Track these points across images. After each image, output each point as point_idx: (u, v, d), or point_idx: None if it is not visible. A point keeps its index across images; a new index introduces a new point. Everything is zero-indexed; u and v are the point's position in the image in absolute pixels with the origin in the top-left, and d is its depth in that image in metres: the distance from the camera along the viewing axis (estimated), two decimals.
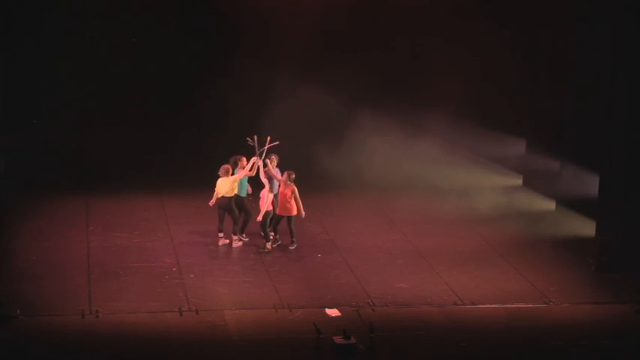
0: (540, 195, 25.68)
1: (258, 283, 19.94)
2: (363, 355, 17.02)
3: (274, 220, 21.79)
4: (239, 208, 21.71)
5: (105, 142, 25.87)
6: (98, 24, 25.62)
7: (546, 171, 25.74)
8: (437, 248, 22.21)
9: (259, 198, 21.63)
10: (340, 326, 17.57)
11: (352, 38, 26.75)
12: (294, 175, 21.58)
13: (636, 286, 20.29)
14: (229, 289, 19.58)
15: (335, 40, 26.60)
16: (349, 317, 18.38)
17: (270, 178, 21.68)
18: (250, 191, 21.95)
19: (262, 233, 21.60)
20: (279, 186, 21.68)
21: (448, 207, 25.06)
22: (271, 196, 21.55)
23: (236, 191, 21.57)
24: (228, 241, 21.81)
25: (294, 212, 21.55)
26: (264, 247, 21.50)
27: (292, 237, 21.74)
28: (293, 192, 21.45)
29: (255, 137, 21.67)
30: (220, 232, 21.82)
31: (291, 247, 21.72)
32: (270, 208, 21.59)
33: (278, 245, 21.78)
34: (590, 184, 22.67)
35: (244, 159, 21.80)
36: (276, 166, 22.04)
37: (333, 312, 18.62)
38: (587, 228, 22.80)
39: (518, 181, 26.98)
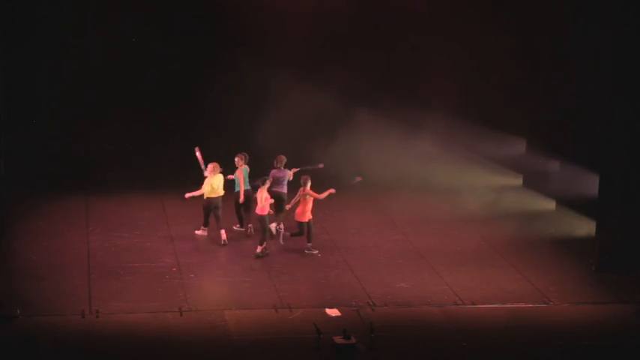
0: (540, 195, 25.68)
1: (258, 283, 19.95)
2: (363, 355, 17.02)
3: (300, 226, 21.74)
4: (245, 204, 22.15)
5: (105, 142, 25.84)
6: (98, 24, 25.60)
7: (546, 171, 25.73)
8: (437, 248, 22.21)
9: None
10: (340, 326, 17.57)
11: (351, 38, 26.75)
12: (309, 181, 21.59)
13: (636, 286, 20.29)
14: (229, 289, 19.58)
15: (334, 40, 26.60)
16: (349, 317, 18.39)
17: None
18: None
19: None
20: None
21: (448, 207, 25.06)
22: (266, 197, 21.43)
23: (220, 192, 21.85)
24: (205, 234, 22.09)
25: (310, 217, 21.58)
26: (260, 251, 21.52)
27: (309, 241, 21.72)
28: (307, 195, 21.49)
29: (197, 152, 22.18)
30: (221, 229, 21.88)
31: (313, 252, 21.67)
32: (262, 213, 21.47)
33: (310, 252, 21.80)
34: (590, 184, 22.66)
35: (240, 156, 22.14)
36: (284, 167, 22.33)
37: (333, 312, 18.63)
38: (587, 228, 22.80)
39: (518, 181, 26.97)
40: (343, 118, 26.50)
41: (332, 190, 21.68)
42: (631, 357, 17.58)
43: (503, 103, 26.64)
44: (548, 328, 18.38)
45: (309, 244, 21.64)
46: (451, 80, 26.59)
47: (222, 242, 21.79)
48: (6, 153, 23.39)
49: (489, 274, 20.88)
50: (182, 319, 18.17)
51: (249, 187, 22.26)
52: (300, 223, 21.58)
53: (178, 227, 22.72)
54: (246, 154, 22.43)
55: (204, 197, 21.86)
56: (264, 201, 21.25)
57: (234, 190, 22.34)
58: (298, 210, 21.56)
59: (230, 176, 22.32)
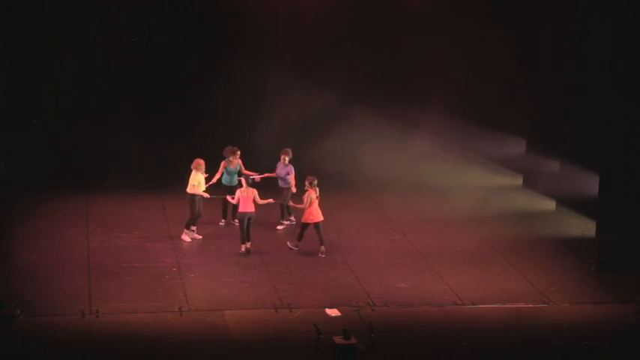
0: (540, 195, 25.67)
1: (258, 283, 19.94)
2: (363, 355, 17.02)
3: (303, 227, 21.66)
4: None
5: (105, 142, 25.85)
6: (98, 25, 25.62)
7: (546, 171, 25.73)
8: (437, 248, 22.20)
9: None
10: (340, 326, 17.56)
11: (350, 38, 26.73)
12: (316, 181, 21.55)
13: (636, 286, 20.29)
14: (229, 289, 19.58)
15: (332, 39, 26.57)
16: (349, 317, 18.39)
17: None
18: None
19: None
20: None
21: (449, 207, 25.06)
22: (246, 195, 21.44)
23: (200, 188, 21.81)
24: (198, 236, 22.01)
25: (310, 219, 21.49)
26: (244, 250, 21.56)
27: (322, 244, 21.55)
28: (306, 199, 21.46)
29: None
30: (193, 225, 22.01)
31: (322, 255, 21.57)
32: (252, 209, 21.43)
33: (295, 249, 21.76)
34: (590, 184, 22.66)
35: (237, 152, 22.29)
36: (288, 162, 22.48)
37: (333, 312, 18.62)
38: (587, 228, 22.79)
39: (518, 181, 26.97)
40: (342, 118, 26.50)
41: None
42: (631, 357, 17.58)
43: (504, 104, 26.63)
44: (548, 328, 18.38)
45: (322, 247, 21.55)
46: (451, 80, 26.58)
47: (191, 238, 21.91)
48: (6, 153, 23.39)
49: (489, 274, 20.88)
50: (182, 319, 18.16)
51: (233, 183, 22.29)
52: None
53: (178, 227, 22.68)
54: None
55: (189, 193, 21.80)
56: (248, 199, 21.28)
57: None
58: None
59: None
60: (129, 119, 26.30)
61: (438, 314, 18.85)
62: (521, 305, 19.39)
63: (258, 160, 23.16)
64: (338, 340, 17.11)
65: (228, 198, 21.86)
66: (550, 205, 25.30)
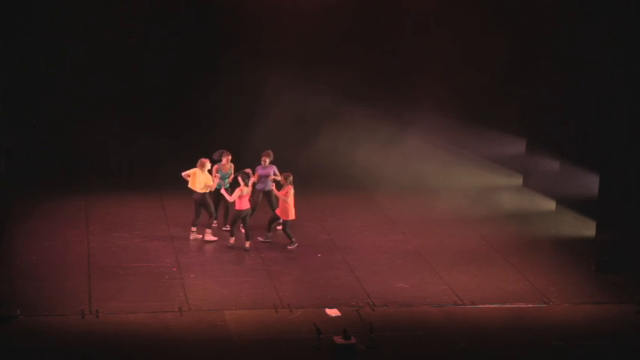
0: (540, 195, 25.68)
1: (258, 283, 19.94)
2: (363, 355, 17.02)
3: (272, 219, 21.86)
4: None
5: (105, 142, 25.85)
6: (98, 25, 25.62)
7: (546, 171, 25.73)
8: (437, 248, 22.20)
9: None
10: (340, 326, 17.57)
11: (350, 38, 26.74)
12: (291, 177, 21.60)
13: (636, 286, 20.29)
14: (229, 289, 19.57)
15: (332, 40, 26.58)
16: (349, 317, 18.39)
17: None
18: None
19: (231, 230, 21.73)
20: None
21: (448, 207, 25.06)
22: (245, 193, 21.47)
23: (212, 187, 21.77)
24: (200, 236, 21.93)
25: (289, 217, 21.55)
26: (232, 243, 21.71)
27: (290, 239, 21.75)
28: (288, 194, 21.49)
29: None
30: (194, 226, 21.91)
31: (290, 247, 21.72)
32: (248, 206, 21.51)
33: (269, 242, 21.82)
34: (590, 184, 22.66)
35: (229, 155, 22.02)
36: (270, 163, 22.12)
37: (333, 312, 18.62)
38: (587, 228, 22.80)
39: (518, 181, 26.97)
40: (340, 118, 26.50)
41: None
42: (631, 357, 17.58)
43: (504, 104, 26.62)
44: (548, 328, 18.38)
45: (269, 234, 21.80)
46: (451, 80, 26.59)
47: (192, 238, 21.88)
48: (6, 153, 23.38)
49: (489, 274, 20.88)
50: (182, 319, 18.16)
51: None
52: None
53: (178, 227, 22.70)
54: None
55: (201, 192, 21.75)
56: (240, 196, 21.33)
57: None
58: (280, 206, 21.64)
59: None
60: (129, 119, 26.28)
61: (438, 314, 18.85)
62: (521, 305, 19.39)
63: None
64: (338, 340, 17.11)
65: (225, 193, 21.73)
66: (550, 205, 25.30)
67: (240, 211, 21.43)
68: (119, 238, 22.03)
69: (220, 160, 22.11)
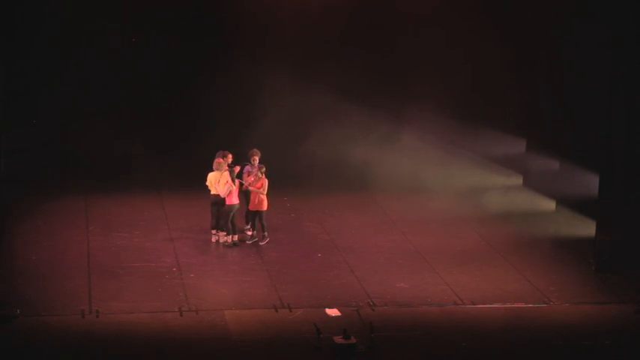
0: (540, 195, 25.67)
1: (258, 283, 19.94)
2: (363, 355, 17.02)
3: (250, 215, 21.89)
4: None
5: (104, 141, 25.84)
6: (97, 25, 25.61)
7: (546, 171, 25.73)
8: (437, 248, 22.20)
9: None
10: (340, 326, 17.56)
11: (348, 39, 26.71)
12: (264, 169, 21.64)
13: (636, 286, 20.29)
14: (229, 289, 19.58)
15: (331, 40, 26.56)
16: (349, 317, 18.38)
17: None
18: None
19: (225, 226, 21.76)
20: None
21: (448, 207, 25.05)
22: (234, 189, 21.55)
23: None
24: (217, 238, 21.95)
25: (265, 207, 21.63)
26: (226, 241, 21.67)
27: (264, 231, 21.81)
28: (263, 186, 21.56)
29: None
30: (213, 229, 21.89)
31: (261, 243, 21.72)
32: (237, 201, 21.58)
33: (254, 242, 21.86)
34: (590, 184, 22.65)
35: (230, 155, 21.97)
36: (259, 163, 22.10)
37: (333, 312, 18.62)
38: (587, 228, 22.79)
39: (519, 181, 26.96)
40: (340, 118, 26.50)
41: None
42: (631, 357, 17.58)
43: (504, 103, 26.62)
44: (548, 328, 18.37)
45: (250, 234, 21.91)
46: (451, 81, 26.58)
47: (214, 240, 21.85)
48: (6, 153, 23.38)
49: (489, 274, 20.88)
50: (182, 319, 18.16)
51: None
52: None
53: (178, 227, 22.71)
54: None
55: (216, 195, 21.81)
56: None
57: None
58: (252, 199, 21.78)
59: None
60: (129, 119, 26.28)
61: (437, 314, 18.84)
62: (521, 305, 19.39)
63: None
64: (338, 340, 17.11)
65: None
66: (550, 205, 25.30)
67: (232, 206, 21.52)
68: (119, 238, 22.03)
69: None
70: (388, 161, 26.10)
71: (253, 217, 21.98)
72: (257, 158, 22.03)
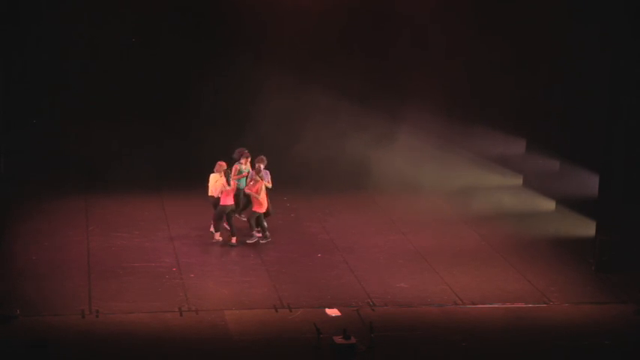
0: (540, 195, 25.68)
1: (258, 283, 19.95)
2: (363, 355, 17.02)
3: (259, 216, 21.92)
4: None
5: (105, 141, 25.85)
6: (97, 25, 25.61)
7: (546, 171, 25.74)
8: (437, 248, 22.21)
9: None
10: (340, 326, 17.57)
11: (348, 39, 26.71)
12: (261, 172, 21.69)
13: (636, 286, 20.30)
14: (229, 289, 19.58)
15: (330, 40, 26.56)
16: (349, 317, 18.39)
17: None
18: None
19: (216, 226, 21.83)
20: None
21: (448, 207, 25.06)
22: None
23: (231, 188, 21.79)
24: (221, 238, 21.95)
25: (261, 209, 21.78)
26: (218, 240, 21.78)
27: (252, 230, 21.91)
28: (259, 190, 21.59)
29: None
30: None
31: (248, 241, 21.75)
32: (232, 202, 21.61)
33: (269, 242, 21.92)
34: (590, 184, 22.66)
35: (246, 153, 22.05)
36: (265, 168, 22.06)
37: (333, 312, 18.63)
38: (587, 228, 22.80)
39: (519, 181, 26.97)
40: (340, 118, 26.50)
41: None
42: (631, 357, 17.59)
43: (504, 104, 26.62)
44: (548, 328, 18.38)
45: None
46: (451, 81, 26.59)
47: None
48: (6, 153, 23.39)
49: (489, 274, 20.88)
50: (182, 319, 18.16)
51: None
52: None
53: (178, 227, 22.71)
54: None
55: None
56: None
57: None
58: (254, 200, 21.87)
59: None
60: (129, 119, 26.27)
61: (437, 314, 18.85)
62: (521, 305, 19.40)
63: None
64: (338, 340, 17.11)
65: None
66: (550, 205, 25.30)
67: (225, 207, 21.54)
68: (119, 238, 22.03)
69: (239, 160, 22.18)
70: (388, 161, 26.09)
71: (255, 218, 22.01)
72: (261, 165, 21.92)
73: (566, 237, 23.16)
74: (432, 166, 26.47)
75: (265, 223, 21.92)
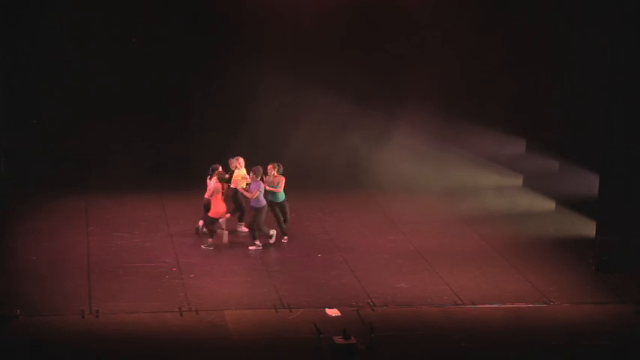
0: (540, 195, 25.67)
1: (258, 283, 19.95)
2: (363, 355, 17.02)
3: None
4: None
5: (105, 141, 25.85)
6: (97, 25, 25.61)
7: (546, 171, 25.73)
8: (437, 248, 22.20)
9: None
10: (340, 326, 17.57)
11: (347, 39, 26.70)
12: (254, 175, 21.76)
13: (636, 286, 20.29)
14: (229, 289, 19.58)
15: (330, 41, 26.56)
16: (349, 317, 18.39)
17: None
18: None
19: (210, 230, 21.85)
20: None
21: (448, 207, 25.05)
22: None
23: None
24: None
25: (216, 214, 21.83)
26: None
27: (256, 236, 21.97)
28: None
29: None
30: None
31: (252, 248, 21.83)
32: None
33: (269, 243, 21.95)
34: (590, 184, 22.65)
35: (241, 159, 22.00)
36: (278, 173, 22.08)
37: (333, 312, 18.63)
38: (587, 228, 22.79)
39: (518, 181, 26.96)
40: (340, 118, 26.50)
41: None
42: (631, 357, 17.58)
43: (504, 104, 26.61)
44: (548, 328, 18.38)
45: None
46: (451, 81, 26.60)
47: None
48: (6, 153, 23.39)
49: (489, 274, 20.88)
50: (182, 319, 18.17)
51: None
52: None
53: (178, 227, 22.71)
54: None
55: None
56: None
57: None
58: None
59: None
60: (129, 118, 26.27)
61: (438, 314, 18.85)
62: (521, 305, 19.39)
63: (256, 159, 23.07)
64: (338, 340, 17.11)
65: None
66: (550, 205, 25.30)
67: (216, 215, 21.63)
68: (119, 238, 22.04)
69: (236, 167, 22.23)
70: (388, 161, 26.09)
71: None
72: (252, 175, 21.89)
73: (566, 237, 23.15)
74: (433, 165, 26.47)
75: (266, 228, 21.81)
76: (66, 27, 25.45)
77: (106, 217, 23.32)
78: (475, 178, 26.64)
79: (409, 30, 26.60)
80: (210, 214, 21.42)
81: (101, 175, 25.26)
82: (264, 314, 18.51)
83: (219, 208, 21.45)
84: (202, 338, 17.46)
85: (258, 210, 21.61)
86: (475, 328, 18.25)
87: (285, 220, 22.13)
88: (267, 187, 21.71)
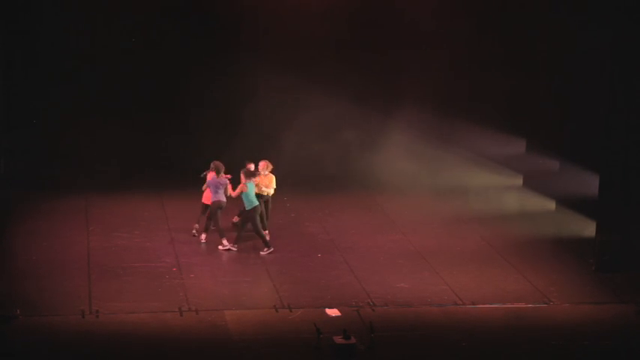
0: (540, 195, 25.67)
1: (258, 283, 19.95)
2: (363, 355, 17.02)
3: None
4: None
5: (105, 141, 25.83)
6: (97, 24, 25.61)
7: (546, 171, 25.73)
8: (437, 248, 22.21)
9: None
10: (340, 326, 17.57)
11: (346, 39, 26.69)
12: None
13: (636, 286, 20.30)
14: (229, 289, 19.58)
15: (330, 41, 26.55)
16: (349, 317, 18.39)
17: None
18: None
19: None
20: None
21: (448, 207, 25.05)
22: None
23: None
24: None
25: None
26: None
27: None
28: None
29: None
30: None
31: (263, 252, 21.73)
32: (209, 203, 21.71)
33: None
34: (590, 184, 22.65)
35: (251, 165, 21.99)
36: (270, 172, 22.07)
37: (333, 312, 18.63)
38: (587, 228, 22.80)
39: (519, 181, 26.97)
40: (339, 118, 26.49)
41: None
42: (631, 357, 17.58)
43: (504, 104, 26.62)
44: (548, 328, 18.38)
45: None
46: (451, 81, 26.59)
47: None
48: (6, 153, 23.38)
49: (489, 274, 20.88)
50: (182, 319, 18.17)
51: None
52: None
53: (178, 227, 22.71)
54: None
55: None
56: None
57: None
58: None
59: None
60: (129, 118, 26.26)
61: (438, 314, 18.85)
62: (521, 305, 19.40)
63: (256, 160, 23.07)
64: (338, 340, 17.11)
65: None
66: (550, 205, 25.30)
67: (206, 207, 21.70)
68: (119, 238, 22.03)
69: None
70: (388, 161, 26.08)
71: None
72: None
73: (566, 237, 23.15)
74: (433, 165, 26.46)
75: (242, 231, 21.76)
76: (66, 27, 25.43)
77: (106, 217, 23.32)
78: (475, 178, 26.63)
79: (408, 30, 26.58)
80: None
81: (101, 175, 25.26)
82: (264, 314, 18.51)
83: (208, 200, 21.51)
84: (202, 338, 17.46)
85: (251, 212, 21.41)
86: (475, 328, 18.25)
87: (267, 217, 22.06)
88: (232, 193, 21.54)
